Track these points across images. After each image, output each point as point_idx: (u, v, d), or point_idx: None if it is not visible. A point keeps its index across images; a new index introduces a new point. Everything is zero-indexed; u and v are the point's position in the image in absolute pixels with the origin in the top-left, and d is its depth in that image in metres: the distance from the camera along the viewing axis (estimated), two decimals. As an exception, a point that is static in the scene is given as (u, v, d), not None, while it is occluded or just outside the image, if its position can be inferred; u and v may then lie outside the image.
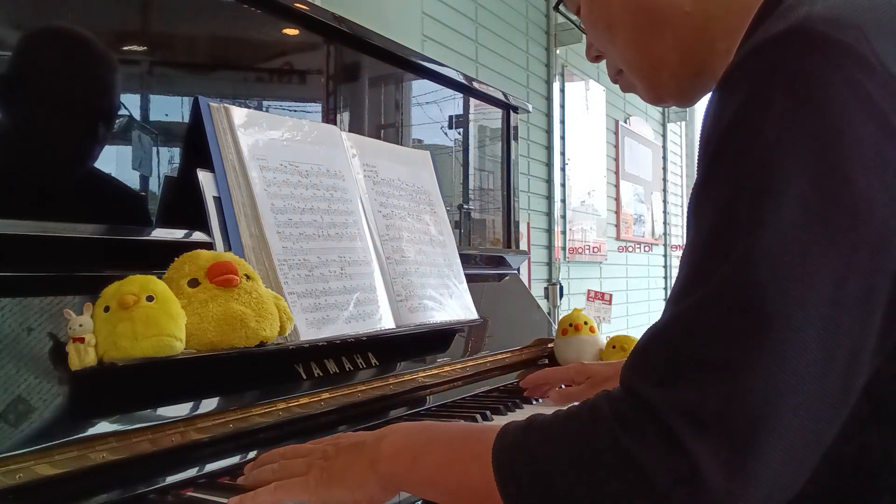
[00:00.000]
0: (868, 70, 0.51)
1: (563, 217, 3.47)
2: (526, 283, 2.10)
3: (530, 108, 2.08)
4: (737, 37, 0.64)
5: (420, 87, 1.65)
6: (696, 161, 0.59)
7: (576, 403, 0.58)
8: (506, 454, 0.59)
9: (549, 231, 3.38)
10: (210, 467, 0.83)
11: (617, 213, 4.23)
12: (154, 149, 1.02)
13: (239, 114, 1.06)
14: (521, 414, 1.19)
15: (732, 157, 0.54)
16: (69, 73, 0.93)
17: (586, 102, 3.73)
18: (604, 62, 0.81)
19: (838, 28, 0.52)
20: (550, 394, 1.30)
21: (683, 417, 0.51)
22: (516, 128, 1.95)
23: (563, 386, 1.33)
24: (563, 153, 3.47)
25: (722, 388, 0.50)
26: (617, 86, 0.81)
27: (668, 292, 5.45)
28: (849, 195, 0.50)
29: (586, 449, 0.54)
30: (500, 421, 1.10)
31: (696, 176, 0.59)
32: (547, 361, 1.60)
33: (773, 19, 0.57)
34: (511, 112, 1.91)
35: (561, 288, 3.31)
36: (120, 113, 0.98)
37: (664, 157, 5.16)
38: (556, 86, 3.42)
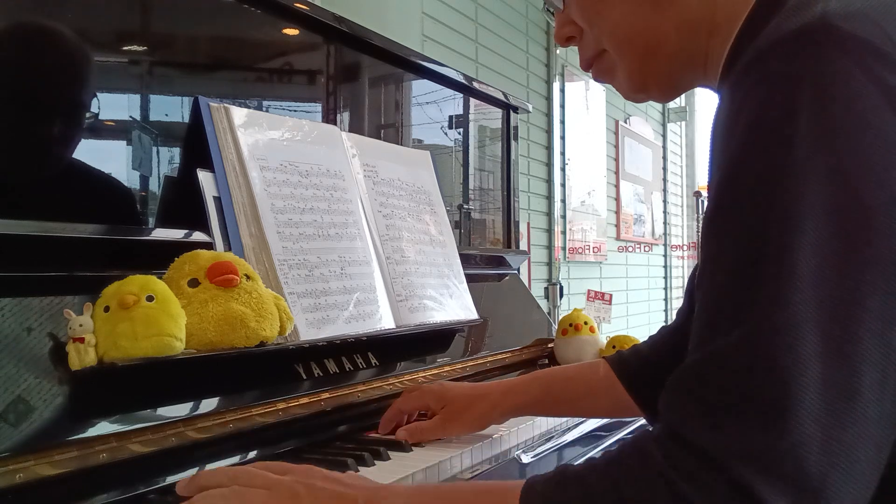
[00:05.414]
0: (889, 65, 0.50)
1: (563, 217, 3.47)
2: (526, 283, 2.10)
3: (530, 108, 2.08)
4: (735, 25, 0.61)
5: (420, 87, 1.65)
6: (709, 162, 0.56)
7: (606, 449, 0.54)
8: None
9: (549, 231, 3.38)
10: (210, 467, 0.82)
11: (617, 213, 4.23)
12: (154, 149, 1.02)
13: (239, 114, 1.06)
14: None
15: (755, 167, 0.51)
16: (48, 71, 0.92)
17: (586, 102, 3.73)
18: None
19: (857, 24, 0.51)
20: (399, 432, 0.99)
21: (750, 464, 0.48)
22: (516, 128, 1.95)
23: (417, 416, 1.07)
24: (563, 153, 3.48)
25: (787, 431, 0.47)
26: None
27: (668, 292, 5.43)
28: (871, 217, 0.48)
29: (639, 500, 0.50)
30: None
31: (710, 177, 0.56)
32: (547, 361, 1.60)
33: (782, 16, 0.55)
34: (511, 112, 1.91)
35: (561, 288, 3.32)
36: (120, 113, 0.98)
37: (664, 157, 5.16)
38: (556, 86, 3.43)
